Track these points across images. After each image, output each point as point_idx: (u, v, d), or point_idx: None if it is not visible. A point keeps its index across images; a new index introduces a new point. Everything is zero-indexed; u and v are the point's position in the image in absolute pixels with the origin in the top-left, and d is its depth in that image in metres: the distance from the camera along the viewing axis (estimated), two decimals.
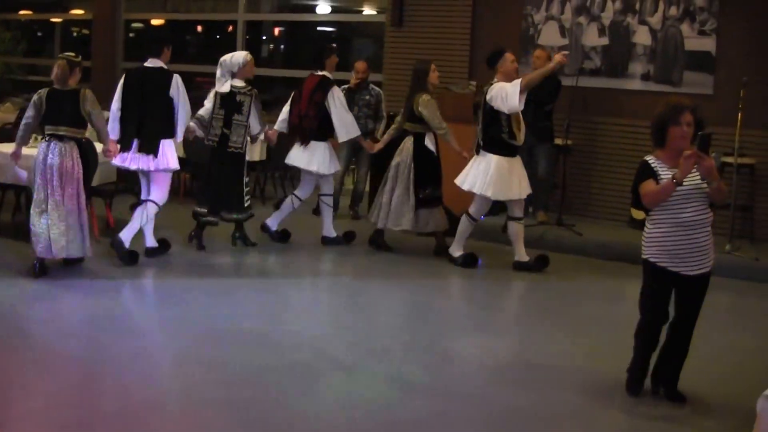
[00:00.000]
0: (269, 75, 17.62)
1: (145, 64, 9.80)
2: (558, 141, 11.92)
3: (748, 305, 9.37)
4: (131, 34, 19.05)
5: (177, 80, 9.68)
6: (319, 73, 10.85)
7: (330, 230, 11.13)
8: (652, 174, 6.13)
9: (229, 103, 10.31)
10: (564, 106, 11.79)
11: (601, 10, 12.68)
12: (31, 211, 8.87)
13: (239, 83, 10.34)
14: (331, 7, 17.54)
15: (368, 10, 17.01)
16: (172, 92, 9.65)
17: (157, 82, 9.66)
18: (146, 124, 9.66)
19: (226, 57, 10.43)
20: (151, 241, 10.06)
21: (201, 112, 10.40)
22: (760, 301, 9.50)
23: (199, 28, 19.58)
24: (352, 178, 13.62)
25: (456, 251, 10.33)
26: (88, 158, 9.30)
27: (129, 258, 9.65)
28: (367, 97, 12.45)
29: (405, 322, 8.45)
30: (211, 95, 10.46)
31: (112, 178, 10.92)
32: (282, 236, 11.09)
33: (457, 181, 10.09)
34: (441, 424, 5.96)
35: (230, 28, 17.36)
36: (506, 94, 9.49)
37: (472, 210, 10.19)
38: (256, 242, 10.81)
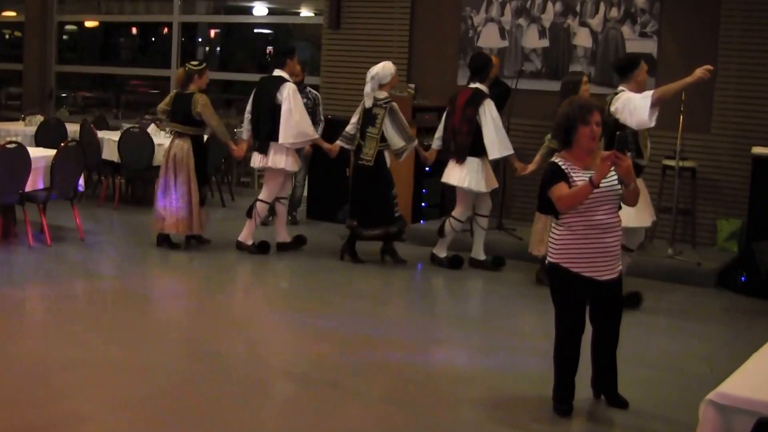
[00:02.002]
0: None
1: (272, 74, 10.54)
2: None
3: (691, 310, 9.30)
4: (65, 36, 18.72)
5: (286, 88, 10.29)
6: (472, 85, 10.15)
7: (480, 252, 10.45)
8: (564, 177, 5.87)
9: (366, 115, 10.20)
10: (503, 108, 11.63)
11: (542, 11, 12.57)
12: (157, 194, 10.48)
13: (382, 95, 10.15)
14: (268, 8, 17.33)
15: (305, 12, 16.82)
16: (279, 98, 10.24)
17: (270, 89, 10.36)
18: (260, 127, 10.47)
19: (377, 68, 10.16)
20: (244, 237, 10.67)
21: (347, 128, 10.50)
22: (703, 306, 9.45)
23: (134, 30, 19.27)
24: (291, 183, 13.42)
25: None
26: (201, 153, 10.53)
27: (259, 249, 10.61)
28: (305, 101, 12.18)
29: None
30: (359, 109, 10.40)
31: (46, 184, 10.63)
32: (453, 262, 10.38)
33: None
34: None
35: (165, 30, 17.08)
36: (634, 107, 8.23)
37: (626, 242, 8.58)
38: (405, 259, 10.45)
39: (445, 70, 13.01)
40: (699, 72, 7.98)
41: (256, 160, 10.61)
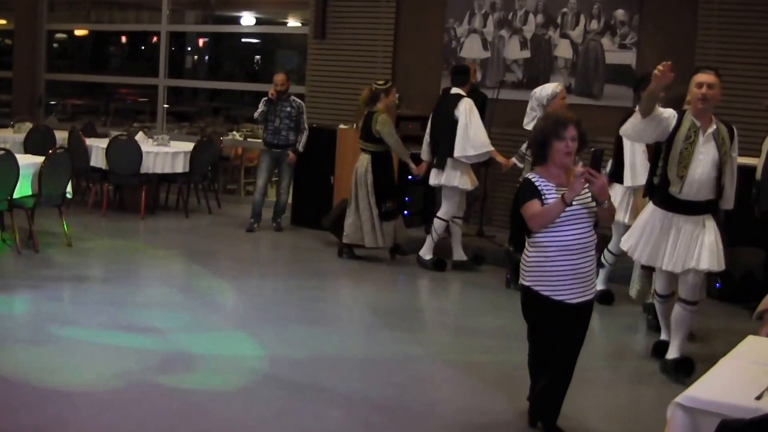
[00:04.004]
0: (193, 86, 17.55)
1: (450, 91, 10.60)
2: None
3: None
4: (54, 45, 18.83)
5: (464, 103, 10.38)
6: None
7: (602, 283, 9.46)
8: (537, 194, 5.60)
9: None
10: (485, 118, 11.79)
11: (523, 23, 12.76)
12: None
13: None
14: (256, 18, 17.47)
15: (292, 22, 16.97)
16: (456, 114, 10.33)
17: (448, 106, 10.47)
18: (438, 144, 10.54)
19: (537, 89, 9.85)
20: (427, 253, 10.79)
21: (522, 146, 10.33)
22: None
23: (123, 39, 19.40)
24: (276, 190, 13.58)
25: (673, 353, 7.36)
26: (380, 169, 10.76)
27: (436, 266, 10.69)
28: (288, 109, 12.38)
29: None
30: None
31: (34, 190, 10.69)
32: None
33: None
34: None
35: (155, 39, 17.22)
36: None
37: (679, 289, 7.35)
38: None
39: (428, 79, 13.17)
40: (655, 72, 6.68)
41: (433, 177, 10.65)
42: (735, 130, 7.13)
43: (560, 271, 5.61)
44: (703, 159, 6.89)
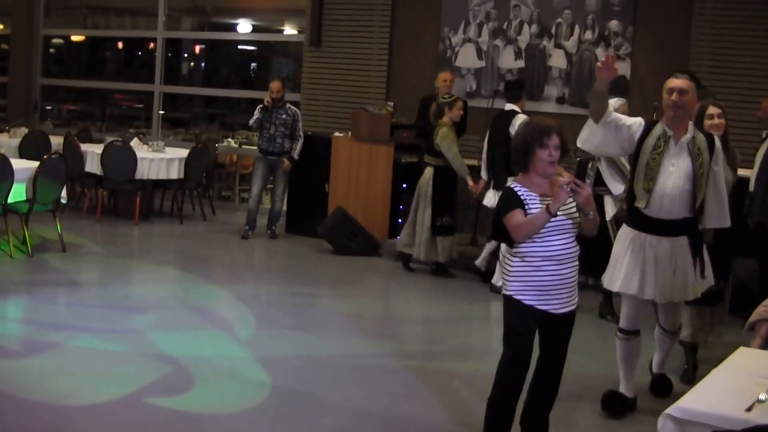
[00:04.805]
0: (188, 93, 17.57)
1: (504, 108, 10.45)
2: (473, 161, 11.93)
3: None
4: (51, 50, 18.85)
5: (518, 120, 9.99)
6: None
7: None
8: (520, 203, 5.44)
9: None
10: (480, 127, 11.82)
11: (518, 33, 12.81)
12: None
13: None
14: (252, 26, 17.53)
15: (288, 30, 17.02)
16: (512, 131, 9.91)
17: (503, 123, 10.23)
18: (496, 163, 10.33)
19: None
20: (482, 263, 10.78)
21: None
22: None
23: (120, 45, 19.43)
24: (271, 197, 13.59)
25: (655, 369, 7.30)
26: (441, 183, 10.64)
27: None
28: (284, 116, 12.41)
29: None
30: None
31: (29, 195, 10.71)
32: None
33: None
34: None
35: (151, 45, 17.26)
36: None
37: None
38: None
39: (423, 88, 13.19)
40: (597, 64, 6.25)
41: (491, 197, 10.34)
42: (717, 140, 6.49)
43: (545, 281, 5.47)
44: (675, 171, 6.24)
